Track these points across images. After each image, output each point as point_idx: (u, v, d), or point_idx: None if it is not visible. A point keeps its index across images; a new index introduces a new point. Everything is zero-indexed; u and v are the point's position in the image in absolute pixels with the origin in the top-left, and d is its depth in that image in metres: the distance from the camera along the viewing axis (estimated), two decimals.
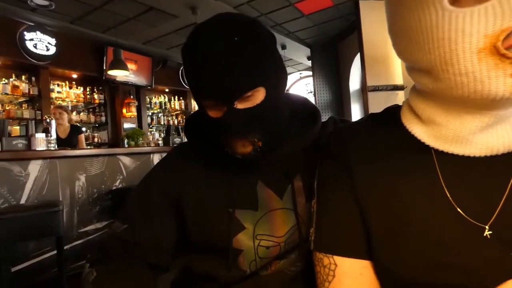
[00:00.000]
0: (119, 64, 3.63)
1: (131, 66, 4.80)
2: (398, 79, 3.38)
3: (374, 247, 0.49)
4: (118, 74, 4.01)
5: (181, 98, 6.13)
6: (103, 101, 4.94)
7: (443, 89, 0.42)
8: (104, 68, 4.51)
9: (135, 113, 5.16)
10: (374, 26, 3.26)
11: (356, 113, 4.83)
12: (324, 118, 0.76)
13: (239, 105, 0.59)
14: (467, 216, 0.44)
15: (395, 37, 0.48)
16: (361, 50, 3.37)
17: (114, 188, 2.49)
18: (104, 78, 4.58)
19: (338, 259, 0.51)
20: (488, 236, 0.42)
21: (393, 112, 0.55)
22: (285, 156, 0.68)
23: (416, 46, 0.43)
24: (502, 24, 0.36)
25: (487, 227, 0.43)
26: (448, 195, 0.45)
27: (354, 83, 4.83)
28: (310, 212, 0.59)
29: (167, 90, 5.96)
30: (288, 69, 6.72)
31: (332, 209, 0.54)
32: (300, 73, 7.14)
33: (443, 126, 0.45)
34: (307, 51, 5.40)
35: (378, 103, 3.21)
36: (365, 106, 3.49)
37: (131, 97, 5.09)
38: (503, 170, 0.43)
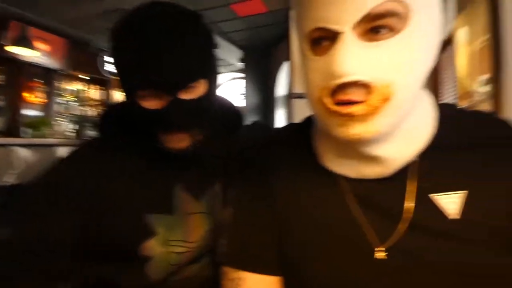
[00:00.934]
0: (23, 41, 3.17)
1: (41, 46, 4.23)
2: None
3: (283, 263, 0.49)
4: (22, 53, 3.50)
5: (101, 87, 5.62)
6: (3, 82, 4.25)
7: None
8: (3, 43, 3.90)
9: (44, 100, 4.56)
10: None
11: (280, 119, 5.01)
12: (250, 121, 0.77)
13: (183, 96, 0.55)
14: (369, 238, 0.45)
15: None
16: (289, 57, 3.49)
17: (2, 184, 2.14)
18: (3, 55, 3.96)
19: (245, 274, 0.50)
20: (386, 257, 0.43)
21: (307, 125, 0.56)
22: (209, 158, 0.66)
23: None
24: (325, 81, 0.39)
25: (383, 248, 0.44)
26: (353, 215, 0.46)
27: (282, 89, 5.01)
28: (225, 219, 0.57)
29: (84, 77, 5.40)
30: (220, 69, 6.73)
31: (247, 222, 0.53)
32: (231, 75, 7.17)
33: (334, 149, 0.48)
34: (239, 53, 5.43)
35: (302, 110, 3.36)
36: (290, 112, 3.62)
37: (38, 80, 4.48)
38: (398, 193, 0.45)
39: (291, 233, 0.49)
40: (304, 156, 0.52)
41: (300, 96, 3.59)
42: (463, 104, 1.75)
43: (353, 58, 0.37)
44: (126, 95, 0.59)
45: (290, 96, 3.56)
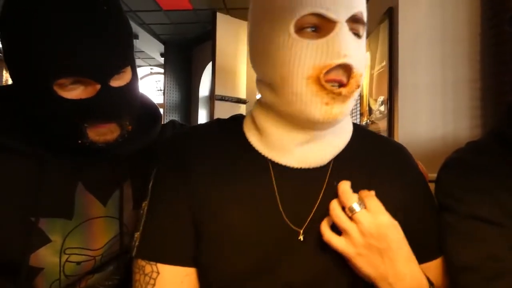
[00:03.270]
0: None
1: None
2: (243, 93, 3.68)
3: (201, 253, 0.50)
4: None
5: None
6: None
7: (279, 103, 0.50)
8: None
9: None
10: (228, 40, 3.45)
11: (202, 119, 4.96)
12: (169, 119, 0.73)
13: (113, 83, 0.51)
14: (289, 221, 0.49)
15: (251, 50, 0.53)
16: (213, 59, 3.50)
17: None
18: None
19: (161, 266, 0.49)
20: (302, 239, 0.49)
21: (238, 120, 0.58)
22: (121, 155, 0.60)
23: (264, 61, 0.50)
24: (326, 60, 0.45)
25: (301, 231, 0.49)
26: (278, 201, 0.50)
27: (204, 89, 4.97)
28: (137, 220, 0.54)
29: None
30: (139, 62, 6.31)
31: (163, 213, 0.52)
32: (151, 68, 6.81)
33: (271, 136, 0.52)
34: (160, 47, 5.20)
35: (223, 112, 3.41)
36: (211, 113, 3.63)
37: None
38: (318, 181, 0.52)
39: (215, 219, 0.50)
40: (232, 144, 0.54)
41: (222, 99, 3.62)
42: (364, 119, 2.00)
43: (349, 44, 0.45)
44: (32, 83, 0.50)
45: (212, 97, 3.58)
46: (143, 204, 0.54)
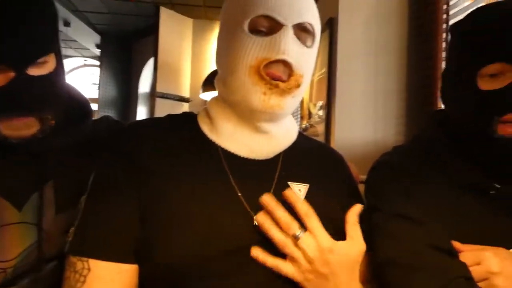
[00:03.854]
0: None
1: None
2: (186, 92, 3.59)
3: (151, 246, 0.47)
4: None
5: None
6: None
7: (227, 93, 0.54)
8: None
9: None
10: (172, 36, 3.33)
11: (141, 116, 4.73)
12: (102, 115, 0.68)
13: (32, 71, 0.47)
14: (247, 206, 0.51)
15: (216, 50, 0.59)
16: (155, 55, 3.35)
17: None
18: None
19: (93, 263, 0.46)
20: (256, 224, 0.50)
21: (191, 115, 0.62)
22: (44, 153, 0.54)
23: (222, 56, 0.56)
24: (267, 54, 0.50)
25: (255, 217, 0.50)
26: (234, 184, 0.52)
27: (144, 86, 4.74)
28: (59, 227, 0.51)
29: None
30: (71, 52, 5.79)
31: (103, 207, 0.49)
32: (85, 60, 6.30)
33: (221, 124, 0.55)
34: (96, 37, 4.83)
35: (165, 110, 3.27)
36: (151, 110, 3.47)
37: None
38: (269, 172, 0.56)
39: (165, 206, 0.49)
40: (184, 135, 0.57)
41: (163, 96, 3.48)
42: (304, 122, 2.09)
43: (290, 45, 0.51)
44: None
45: (153, 95, 3.43)
46: (82, 199, 0.51)
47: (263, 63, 0.50)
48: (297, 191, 0.55)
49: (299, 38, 0.53)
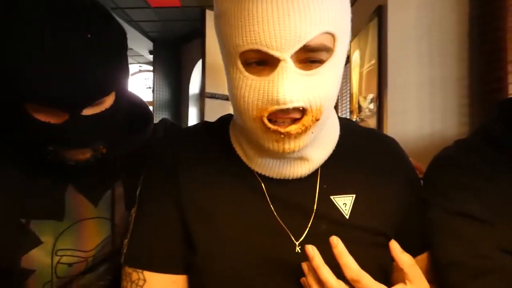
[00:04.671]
0: None
1: None
2: None
3: (195, 260, 0.49)
4: None
5: None
6: None
7: (244, 128, 0.48)
8: None
9: None
10: None
11: (192, 116, 4.94)
12: (159, 117, 0.72)
13: (86, 111, 0.47)
14: (289, 231, 0.48)
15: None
16: (203, 57, 3.47)
17: None
18: None
19: (147, 274, 0.48)
20: (299, 251, 0.48)
21: (225, 125, 0.57)
22: (112, 159, 0.59)
23: (227, 85, 0.48)
24: (267, 105, 0.42)
25: (297, 243, 0.48)
26: (273, 209, 0.49)
27: (194, 87, 4.94)
28: (128, 222, 0.54)
29: None
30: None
31: (151, 220, 0.51)
32: (140, 66, 6.73)
33: (248, 151, 0.51)
34: (149, 44, 5.14)
35: (214, 110, 3.39)
36: (201, 110, 3.61)
37: None
38: (309, 191, 0.50)
39: (207, 228, 0.49)
40: (221, 153, 0.54)
41: (212, 96, 3.60)
42: (354, 117, 2.02)
43: (293, 86, 0.40)
44: (5, 96, 0.47)
45: (203, 95, 3.56)
46: (132, 211, 0.54)
47: (264, 114, 0.42)
48: (342, 206, 0.50)
49: (307, 61, 0.42)
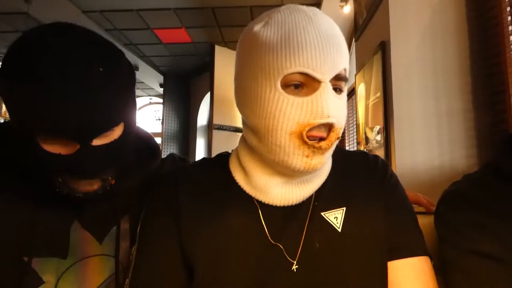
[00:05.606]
0: None
1: None
2: (240, 122, 3.73)
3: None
4: None
5: None
6: None
7: (262, 150, 0.51)
8: None
9: None
10: (226, 70, 3.54)
11: (200, 147, 4.98)
12: (168, 148, 0.72)
13: (96, 142, 0.49)
14: (284, 251, 0.50)
15: (237, 90, 0.54)
16: (211, 89, 3.57)
17: None
18: None
19: None
20: (295, 270, 0.49)
21: (224, 159, 0.60)
22: (118, 193, 0.59)
23: (250, 107, 0.51)
24: (310, 119, 0.47)
25: (294, 262, 0.49)
26: (268, 235, 0.51)
27: (202, 119, 5.03)
28: (130, 260, 0.54)
29: None
30: (138, 92, 6.40)
31: (151, 257, 0.51)
32: (150, 99, 6.92)
33: (255, 177, 0.53)
34: (160, 78, 5.32)
35: (221, 141, 3.43)
36: (209, 142, 3.65)
37: None
38: (302, 212, 0.53)
39: (208, 259, 0.50)
40: (220, 185, 0.55)
41: (220, 128, 3.66)
42: (361, 148, 2.02)
43: (331, 104, 0.47)
44: (21, 133, 0.48)
45: (211, 127, 3.62)
46: (133, 249, 0.54)
47: (305, 129, 0.47)
48: (333, 220, 0.53)
49: (335, 89, 0.49)
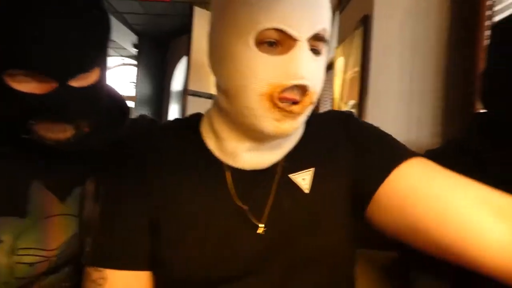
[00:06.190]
0: None
1: None
2: (215, 90, 3.67)
3: (161, 251, 0.49)
4: None
5: None
6: None
7: (232, 113, 0.50)
8: None
9: None
10: (205, 34, 3.41)
11: (174, 113, 4.87)
12: (141, 112, 0.70)
13: (73, 83, 0.48)
14: (249, 215, 0.50)
15: (210, 48, 0.52)
16: (188, 53, 3.44)
17: None
18: None
19: (109, 272, 0.48)
20: (263, 233, 0.50)
21: (196, 121, 0.58)
22: (84, 152, 0.57)
23: (220, 66, 0.49)
24: (282, 80, 0.45)
25: (262, 224, 0.50)
26: (236, 198, 0.51)
27: (177, 84, 4.88)
28: (94, 220, 0.53)
29: None
30: (109, 51, 6.07)
31: (112, 216, 0.51)
32: (123, 59, 6.59)
33: (225, 141, 0.52)
34: (133, 37, 5.04)
35: (196, 108, 3.36)
36: (183, 108, 3.58)
37: None
38: (271, 175, 0.53)
39: (175, 223, 0.50)
40: (190, 147, 0.55)
41: (195, 94, 3.57)
42: None
43: (307, 65, 0.44)
44: None
45: (185, 93, 3.52)
46: (97, 209, 0.53)
47: (277, 90, 0.44)
48: (301, 181, 0.52)
49: (312, 50, 0.46)
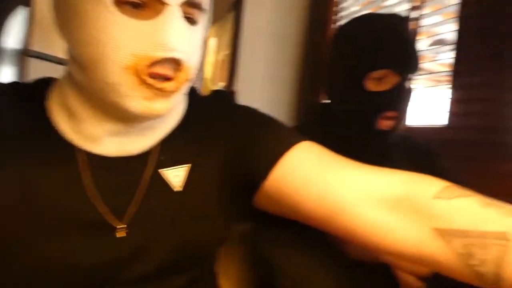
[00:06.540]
0: None
1: None
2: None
3: None
4: None
5: None
6: None
7: (90, 87, 0.41)
8: None
9: None
10: None
11: (8, 77, 3.93)
12: None
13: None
14: (105, 215, 0.43)
15: (55, 4, 0.42)
16: (29, 3, 2.79)
17: None
18: None
19: None
20: (126, 234, 0.43)
21: (42, 89, 0.46)
22: None
23: (71, 29, 0.40)
24: (149, 51, 0.38)
25: (123, 225, 0.43)
26: (87, 194, 0.42)
27: (12, 40, 3.92)
28: None
29: None
30: None
31: None
32: None
33: (82, 121, 0.43)
34: None
35: (41, 74, 2.80)
36: (21, 73, 2.92)
37: None
38: (141, 165, 0.46)
39: (15, 213, 0.40)
40: (32, 127, 0.44)
41: (39, 57, 2.95)
42: None
43: (179, 34, 0.38)
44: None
45: (25, 53, 2.86)
46: None
47: (143, 63, 0.38)
48: (172, 178, 0.46)
49: (187, 18, 0.40)
